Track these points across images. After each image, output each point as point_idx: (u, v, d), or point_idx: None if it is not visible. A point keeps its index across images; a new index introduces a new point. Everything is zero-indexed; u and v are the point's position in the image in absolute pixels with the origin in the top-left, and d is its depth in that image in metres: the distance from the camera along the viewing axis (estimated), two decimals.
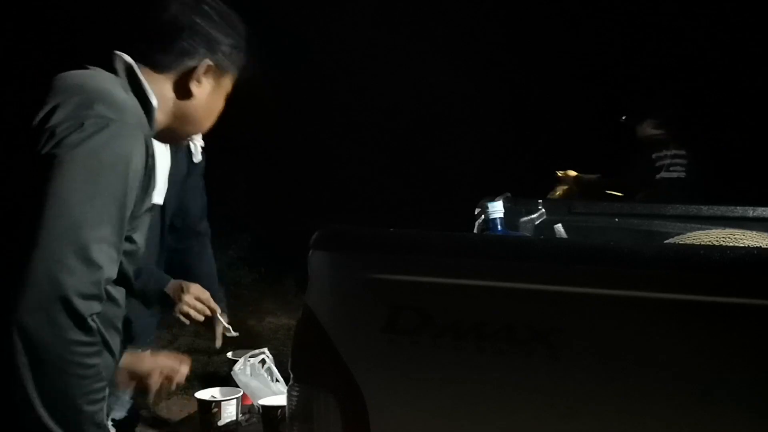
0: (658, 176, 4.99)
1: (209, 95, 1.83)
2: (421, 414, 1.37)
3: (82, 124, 1.54)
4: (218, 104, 1.88)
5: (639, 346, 1.27)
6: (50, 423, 1.48)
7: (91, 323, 1.50)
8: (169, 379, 2.05)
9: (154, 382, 2.03)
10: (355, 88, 8.56)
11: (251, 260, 7.88)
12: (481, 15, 8.40)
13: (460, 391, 1.35)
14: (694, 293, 1.25)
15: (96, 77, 1.69)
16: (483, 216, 1.96)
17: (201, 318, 2.41)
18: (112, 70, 1.72)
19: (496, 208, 1.94)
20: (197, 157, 2.68)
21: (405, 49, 8.48)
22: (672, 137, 5.01)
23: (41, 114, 1.56)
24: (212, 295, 2.54)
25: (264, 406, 2.13)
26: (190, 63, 1.78)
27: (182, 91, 1.79)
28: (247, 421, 2.22)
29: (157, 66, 1.77)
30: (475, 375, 1.34)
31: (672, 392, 1.26)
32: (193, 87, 1.79)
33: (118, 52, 1.75)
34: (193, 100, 1.81)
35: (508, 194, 2.38)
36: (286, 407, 1.47)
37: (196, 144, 2.64)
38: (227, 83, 1.88)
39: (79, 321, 1.47)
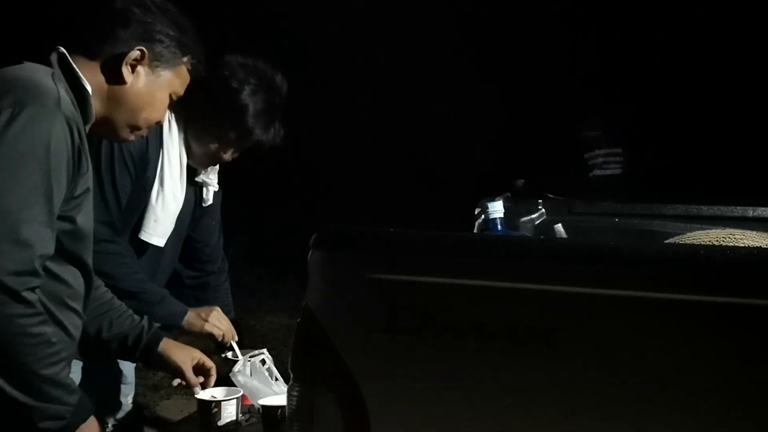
0: (591, 174, 5.24)
1: (145, 84, 1.87)
2: (422, 414, 1.37)
3: None
4: (157, 96, 1.91)
5: (639, 346, 1.27)
6: (11, 390, 1.59)
7: (27, 295, 1.58)
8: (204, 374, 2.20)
9: (189, 377, 2.18)
10: (356, 88, 8.56)
11: (251, 260, 7.87)
12: (481, 14, 8.40)
13: (461, 390, 1.35)
14: (694, 293, 1.25)
15: (22, 67, 1.73)
16: (483, 216, 1.96)
17: (227, 336, 2.43)
18: (47, 61, 1.77)
19: (496, 208, 1.94)
20: (207, 201, 2.57)
21: (405, 49, 8.48)
22: (605, 138, 5.31)
23: None
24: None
25: (264, 406, 2.13)
26: (124, 49, 1.83)
27: (115, 76, 1.83)
28: (247, 421, 2.22)
29: (91, 53, 1.82)
30: (475, 375, 1.34)
31: (672, 392, 1.26)
32: (125, 72, 1.83)
33: (56, 46, 1.79)
34: (125, 86, 1.85)
35: (508, 194, 2.37)
36: (286, 407, 1.46)
37: (209, 187, 2.55)
38: (170, 78, 1.92)
39: (15, 296, 1.56)
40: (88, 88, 1.79)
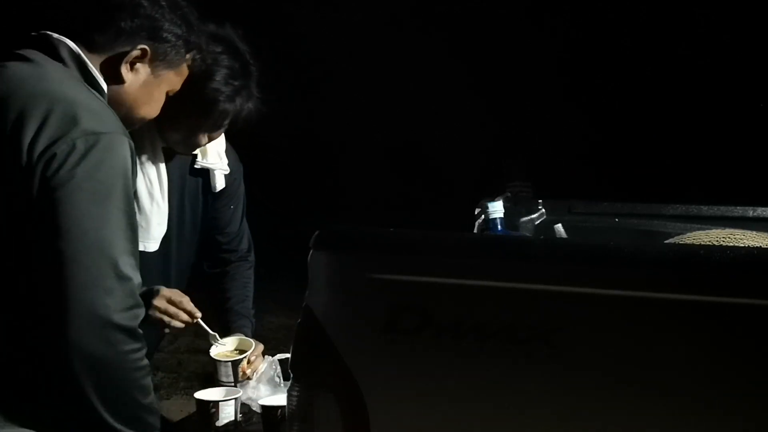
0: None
1: (144, 83, 1.78)
2: (422, 414, 1.37)
3: (74, 144, 1.53)
4: (155, 96, 1.82)
5: (639, 346, 1.27)
6: (115, 423, 1.59)
7: (139, 330, 1.60)
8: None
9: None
10: (356, 87, 8.56)
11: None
12: (481, 14, 8.40)
13: (461, 391, 1.35)
14: (694, 293, 1.25)
15: (54, 78, 1.63)
16: (483, 216, 1.96)
17: (178, 324, 2.17)
18: (55, 55, 1.68)
19: (496, 208, 1.94)
20: (218, 186, 2.39)
21: (405, 49, 8.48)
22: (522, 171, 6.27)
23: (25, 131, 1.52)
24: (244, 315, 2.43)
25: (264, 406, 2.12)
26: (127, 46, 1.73)
27: (113, 73, 1.74)
28: (246, 421, 2.22)
29: (91, 46, 1.72)
30: (476, 375, 1.33)
31: (672, 392, 1.26)
32: (124, 71, 1.74)
33: (59, 37, 1.69)
34: (123, 86, 1.76)
35: (508, 194, 2.37)
36: (286, 407, 1.46)
37: (215, 173, 2.37)
38: (171, 77, 1.83)
39: (129, 332, 1.56)
40: (104, 86, 1.72)
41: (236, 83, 2.16)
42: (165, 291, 2.15)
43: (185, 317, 2.16)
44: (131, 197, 1.62)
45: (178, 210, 2.32)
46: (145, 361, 1.63)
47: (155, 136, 2.20)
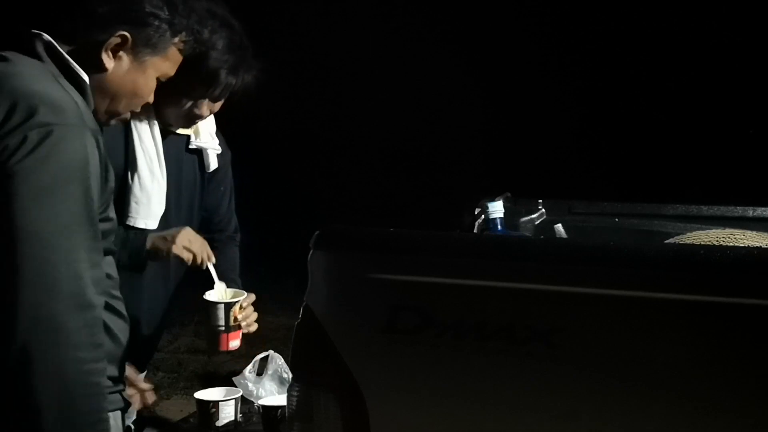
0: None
1: (127, 71, 1.70)
2: (421, 414, 1.37)
3: (26, 136, 1.46)
4: (140, 83, 1.74)
5: (639, 346, 1.27)
6: None
7: (93, 338, 1.47)
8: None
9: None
10: (355, 87, 8.56)
11: (251, 260, 7.84)
12: (481, 13, 8.41)
13: (460, 390, 1.35)
14: (694, 293, 1.25)
15: (24, 74, 1.57)
16: (483, 216, 1.96)
17: (198, 259, 2.21)
18: (32, 52, 1.61)
19: (496, 208, 1.94)
20: (211, 166, 2.40)
21: (405, 48, 8.48)
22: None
23: None
24: (231, 279, 2.45)
25: (264, 406, 2.13)
26: (105, 33, 1.65)
27: (93, 63, 1.66)
28: (246, 421, 2.22)
29: (69, 36, 1.64)
30: (475, 375, 1.34)
31: (671, 392, 1.26)
32: (105, 59, 1.66)
33: (34, 32, 1.62)
34: (106, 74, 1.68)
35: (508, 194, 2.37)
36: (286, 407, 1.47)
37: (208, 153, 2.37)
38: (158, 63, 1.75)
39: (81, 335, 1.45)
40: (85, 78, 1.64)
41: (238, 52, 2.19)
42: (188, 230, 2.22)
43: (207, 253, 2.24)
44: (92, 191, 1.51)
45: (175, 191, 2.33)
46: (97, 379, 1.47)
47: (152, 115, 2.20)
